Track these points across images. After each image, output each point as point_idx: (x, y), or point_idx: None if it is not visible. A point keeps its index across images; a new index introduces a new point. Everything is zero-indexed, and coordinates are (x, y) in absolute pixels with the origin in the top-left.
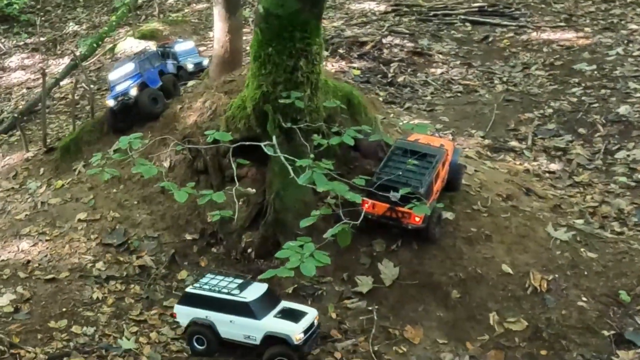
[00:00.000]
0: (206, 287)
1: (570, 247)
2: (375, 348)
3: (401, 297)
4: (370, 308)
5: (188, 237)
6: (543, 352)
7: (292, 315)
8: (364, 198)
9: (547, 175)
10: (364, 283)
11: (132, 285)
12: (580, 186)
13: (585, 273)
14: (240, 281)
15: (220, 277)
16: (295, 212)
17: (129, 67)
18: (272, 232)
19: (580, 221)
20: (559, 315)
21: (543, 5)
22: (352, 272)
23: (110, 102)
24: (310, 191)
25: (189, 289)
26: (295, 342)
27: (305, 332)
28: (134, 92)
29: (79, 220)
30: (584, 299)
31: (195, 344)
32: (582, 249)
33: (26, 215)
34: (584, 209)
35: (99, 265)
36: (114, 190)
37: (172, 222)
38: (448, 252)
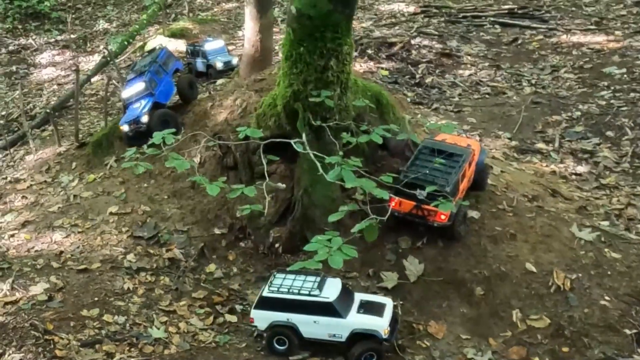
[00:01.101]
0: (283, 289)
1: (595, 247)
2: (399, 342)
3: (425, 293)
4: (394, 303)
5: (217, 231)
6: (565, 349)
7: (374, 309)
8: (392, 195)
9: (574, 177)
10: (389, 279)
11: (162, 277)
12: (607, 188)
13: (609, 273)
14: (314, 279)
15: (292, 277)
16: (322, 208)
17: (140, 86)
18: (300, 227)
19: (606, 223)
20: (582, 314)
21: (574, 8)
22: (377, 267)
23: (125, 128)
24: (338, 188)
25: (265, 293)
26: (384, 336)
27: (390, 324)
28: (145, 119)
29: (111, 213)
30: (607, 298)
31: (276, 345)
32: (606, 250)
33: (59, 207)
34: (609, 211)
35: (130, 257)
36: (145, 185)
37: (202, 216)
38: (473, 250)
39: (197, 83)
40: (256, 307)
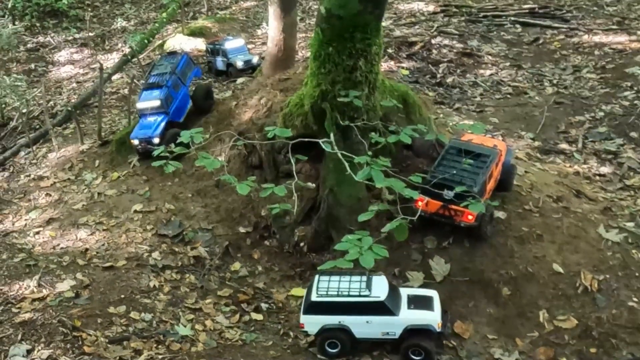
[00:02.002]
0: (332, 292)
1: (622, 248)
2: None
3: (452, 292)
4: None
5: (242, 230)
6: (592, 350)
7: (424, 303)
8: (420, 195)
9: (598, 178)
10: (415, 278)
11: (187, 275)
12: (631, 189)
13: (637, 274)
14: (360, 278)
15: (336, 278)
16: (348, 207)
17: (155, 102)
18: (325, 227)
19: (631, 224)
20: (609, 315)
21: (595, 8)
22: (403, 267)
23: (135, 142)
24: (364, 187)
25: (314, 298)
26: (438, 330)
27: (442, 317)
28: (157, 140)
29: (135, 211)
30: (635, 299)
31: (328, 348)
32: (633, 251)
33: (83, 205)
34: (634, 212)
35: (155, 255)
36: (169, 183)
37: (226, 215)
38: (499, 250)
39: (213, 93)
40: (306, 312)
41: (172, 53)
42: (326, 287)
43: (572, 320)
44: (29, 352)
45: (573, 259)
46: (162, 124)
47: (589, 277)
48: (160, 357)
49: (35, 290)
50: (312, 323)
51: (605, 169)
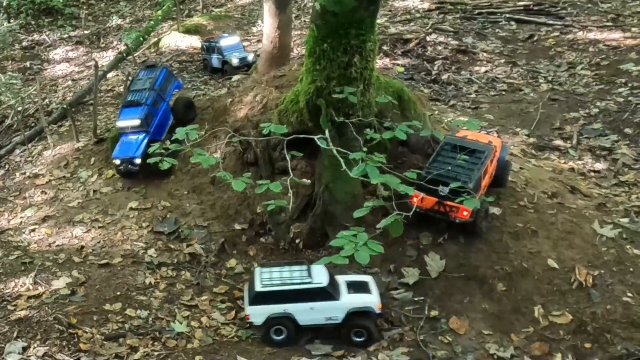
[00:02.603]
0: (276, 281)
1: (616, 244)
2: (422, 337)
3: (447, 288)
4: (416, 299)
5: (237, 226)
6: (587, 345)
7: (362, 287)
8: (416, 191)
9: (592, 174)
10: (411, 274)
11: (183, 272)
12: (626, 185)
13: (631, 269)
14: (300, 267)
15: (277, 269)
16: (343, 204)
17: (135, 121)
18: (321, 223)
19: (625, 220)
20: (604, 310)
21: (589, 5)
22: (399, 263)
23: (117, 161)
24: (359, 184)
25: (259, 289)
26: (378, 311)
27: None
28: (138, 161)
29: (131, 208)
30: (629, 294)
31: (274, 335)
32: (628, 246)
33: (79, 202)
34: (629, 207)
35: (151, 252)
36: (164, 181)
37: (222, 212)
38: (494, 246)
39: (194, 105)
40: (252, 304)
41: (151, 66)
42: (269, 277)
43: (566, 316)
44: (24, 349)
45: (568, 254)
46: (144, 143)
47: (584, 273)
48: (156, 354)
49: (31, 287)
50: (258, 314)
51: (600, 165)
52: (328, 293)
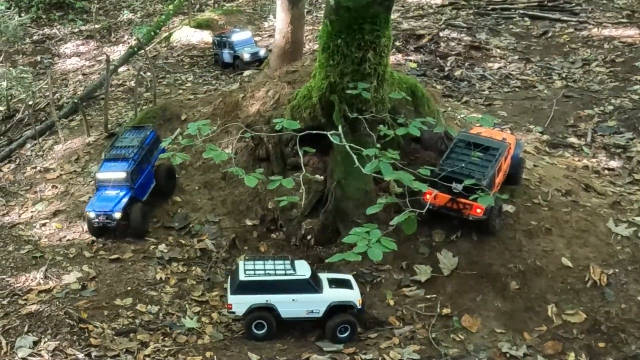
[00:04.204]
0: (259, 272)
1: (631, 242)
2: (433, 335)
3: (459, 286)
4: (428, 296)
5: (248, 222)
6: (601, 345)
7: (343, 283)
8: (429, 188)
9: (607, 172)
10: (423, 272)
11: (194, 268)
12: None
13: None
14: (283, 261)
15: (261, 262)
16: (355, 200)
17: (121, 174)
18: (332, 220)
19: None
20: (619, 309)
21: (604, 1)
22: (411, 261)
23: (91, 214)
24: (371, 180)
25: (243, 278)
26: (359, 307)
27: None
28: (118, 215)
29: None
30: None
31: (255, 330)
32: None
33: (89, 197)
34: None
35: (162, 247)
36: (176, 176)
37: (233, 207)
38: (508, 244)
39: (176, 173)
40: (234, 293)
41: (139, 127)
42: (252, 268)
43: (580, 315)
44: (35, 343)
45: (582, 253)
46: (126, 199)
47: (598, 271)
48: (166, 349)
49: (41, 282)
50: (241, 303)
51: (615, 163)
52: (310, 285)
